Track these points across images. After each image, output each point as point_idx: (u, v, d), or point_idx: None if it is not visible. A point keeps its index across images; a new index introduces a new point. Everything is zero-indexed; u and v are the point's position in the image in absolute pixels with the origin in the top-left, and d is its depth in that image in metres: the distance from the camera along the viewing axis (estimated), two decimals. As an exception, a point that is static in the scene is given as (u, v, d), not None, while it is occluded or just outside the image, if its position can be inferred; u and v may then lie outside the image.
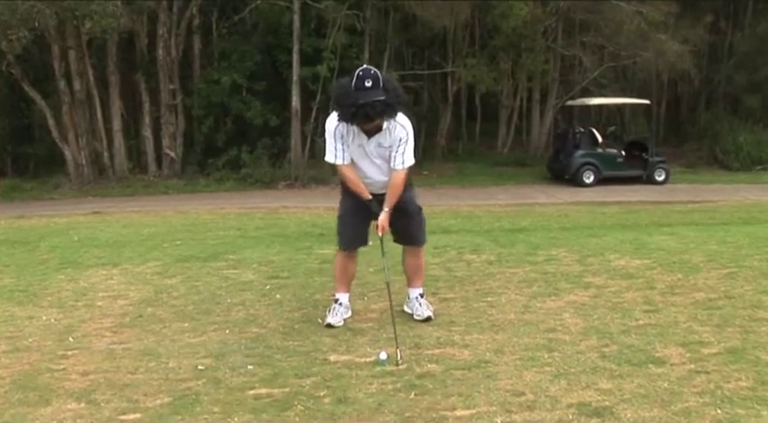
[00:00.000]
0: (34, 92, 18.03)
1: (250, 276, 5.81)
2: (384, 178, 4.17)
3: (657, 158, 17.35)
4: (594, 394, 3.21)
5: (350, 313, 4.49)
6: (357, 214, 4.25)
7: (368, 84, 3.77)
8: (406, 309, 4.51)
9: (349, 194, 4.27)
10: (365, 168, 4.17)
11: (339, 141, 4.09)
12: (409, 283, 4.55)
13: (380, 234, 4.11)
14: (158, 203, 14.59)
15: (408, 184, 4.31)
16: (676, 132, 24.90)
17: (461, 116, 23.25)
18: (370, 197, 4.16)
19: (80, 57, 17.97)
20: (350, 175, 4.17)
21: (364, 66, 3.92)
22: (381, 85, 3.79)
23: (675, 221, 9.48)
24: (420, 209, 4.41)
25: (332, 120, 4.08)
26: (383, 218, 4.11)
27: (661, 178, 17.12)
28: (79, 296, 5.29)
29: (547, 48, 20.24)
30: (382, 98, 3.76)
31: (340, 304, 4.43)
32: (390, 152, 4.07)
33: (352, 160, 4.15)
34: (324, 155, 4.25)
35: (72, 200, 16.03)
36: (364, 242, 4.43)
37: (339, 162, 4.14)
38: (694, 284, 5.13)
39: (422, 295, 4.49)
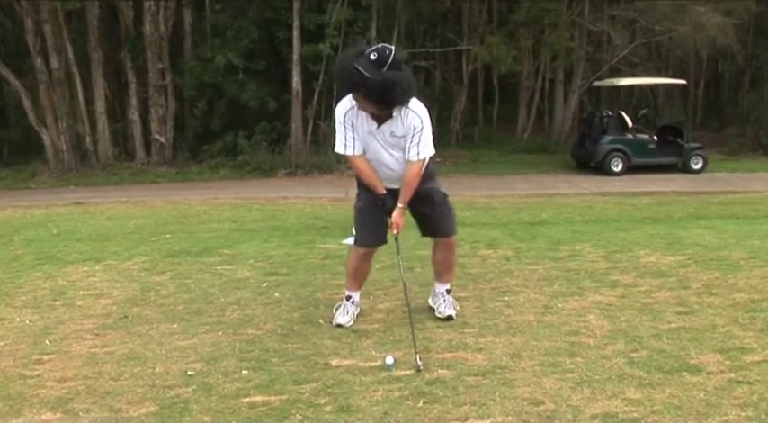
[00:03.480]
0: (7, 70, 18.01)
1: (246, 273, 5.84)
2: (399, 171, 4.17)
3: (694, 144, 17.25)
4: (621, 404, 3.20)
5: (358, 311, 4.54)
6: (376, 208, 4.25)
7: (372, 56, 3.77)
8: (430, 302, 4.57)
9: (365, 186, 4.29)
10: (378, 160, 4.17)
11: (349, 129, 4.10)
12: (437, 277, 4.59)
13: (395, 232, 4.13)
14: (147, 193, 14.64)
15: (430, 176, 4.32)
16: (716, 116, 24.76)
17: (477, 98, 23.18)
18: (384, 192, 4.17)
19: (57, 31, 17.89)
20: (361, 166, 4.18)
21: (386, 45, 3.91)
22: (384, 67, 3.75)
23: (713, 214, 9.43)
24: (446, 196, 4.41)
25: (342, 105, 4.10)
26: (396, 215, 4.12)
27: (698, 166, 17.03)
28: (57, 295, 5.31)
29: (572, 23, 20.11)
30: (366, 74, 3.73)
31: (352, 302, 4.47)
32: (405, 142, 4.06)
33: (364, 151, 4.15)
34: (334, 144, 4.26)
35: (51, 189, 16.08)
36: (384, 240, 4.44)
37: (349, 153, 4.15)
38: (734, 284, 5.11)
39: (448, 291, 4.53)
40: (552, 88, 22.44)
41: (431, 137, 4.13)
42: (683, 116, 18.87)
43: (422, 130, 4.03)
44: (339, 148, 4.18)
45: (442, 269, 4.56)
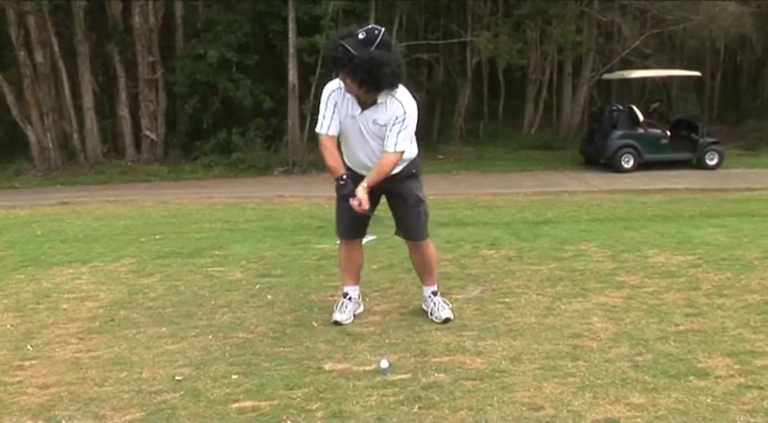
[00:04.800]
0: (-12, 64, 18.08)
1: (238, 275, 5.86)
2: (377, 162, 4.20)
3: (709, 139, 17.23)
4: (624, 410, 3.21)
5: (362, 308, 4.60)
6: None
7: (360, 35, 3.84)
8: (423, 307, 4.60)
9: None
10: (357, 146, 4.22)
11: (330, 109, 4.16)
12: (420, 280, 4.65)
13: (360, 210, 4.06)
14: (137, 192, 14.70)
15: (413, 174, 4.36)
16: (734, 109, 24.71)
17: (482, 92, 23.19)
18: (344, 172, 4.17)
19: (41, 23, 17.91)
20: (328, 146, 4.21)
21: (378, 26, 3.99)
22: (371, 46, 3.81)
23: (727, 212, 9.44)
24: (421, 201, 4.43)
25: (329, 85, 4.17)
26: (360, 191, 4.06)
27: (713, 162, 17.03)
28: (41, 298, 5.33)
29: (580, 13, 20.09)
30: (353, 51, 3.80)
31: (349, 299, 4.52)
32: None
33: (339, 134, 4.20)
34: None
35: (36, 188, 16.15)
36: (363, 231, 4.52)
37: (323, 132, 4.19)
38: (746, 285, 5.10)
39: (435, 293, 4.56)
40: (560, 81, 22.44)
41: (412, 132, 4.15)
42: (697, 110, 18.85)
43: (403, 120, 4.04)
44: (317, 127, 4.24)
45: (421, 272, 4.61)
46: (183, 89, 18.38)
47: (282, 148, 18.01)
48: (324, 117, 4.18)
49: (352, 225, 4.44)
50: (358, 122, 4.12)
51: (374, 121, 4.09)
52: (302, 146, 17.96)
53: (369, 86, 3.93)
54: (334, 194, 4.37)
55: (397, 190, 4.28)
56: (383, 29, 3.93)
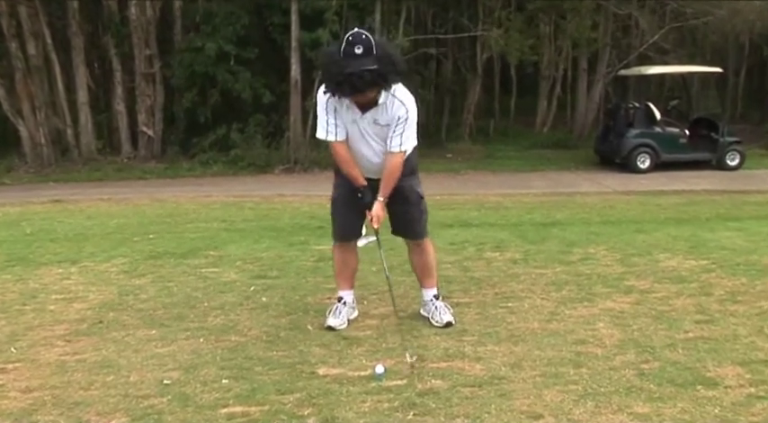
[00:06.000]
0: (-23, 56, 18.12)
1: (232, 276, 5.90)
2: (379, 162, 4.26)
3: (730, 139, 17.14)
4: (627, 419, 3.22)
5: (356, 313, 4.64)
6: (352, 200, 4.35)
7: (358, 50, 3.84)
8: (422, 312, 4.63)
9: (343, 176, 4.38)
10: (359, 149, 4.27)
11: (332, 115, 4.19)
12: (420, 283, 4.68)
13: (376, 226, 4.21)
14: (132, 190, 14.76)
15: (412, 171, 4.41)
16: (758, 107, 24.58)
17: (493, 89, 23.17)
18: (364, 183, 4.25)
19: (33, 14, 17.94)
20: (343, 154, 4.27)
21: (355, 29, 3.99)
22: (374, 51, 3.85)
23: (745, 215, 9.41)
24: (421, 198, 4.51)
25: (323, 91, 4.16)
26: (377, 208, 4.21)
27: (734, 163, 16.95)
28: (28, 299, 5.37)
29: (596, 7, 20.04)
30: (373, 67, 3.82)
31: (344, 303, 4.55)
32: (388, 131, 4.15)
33: (347, 138, 4.23)
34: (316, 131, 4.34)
35: (28, 185, 16.20)
36: (359, 233, 4.56)
37: (331, 138, 4.23)
38: (762, 291, 5.10)
39: (437, 297, 4.60)
40: (575, 77, 22.38)
41: (415, 128, 4.22)
42: (719, 108, 18.73)
43: (407, 120, 4.12)
44: (321, 134, 4.27)
45: (422, 273, 4.65)
46: (181, 81, 18.37)
47: (284, 146, 18.01)
48: (327, 123, 4.20)
49: (348, 227, 4.51)
50: (358, 126, 4.18)
51: (375, 122, 4.14)
52: (304, 143, 17.95)
53: (386, 82, 3.97)
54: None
55: (398, 189, 4.31)
56: (356, 28, 3.98)
